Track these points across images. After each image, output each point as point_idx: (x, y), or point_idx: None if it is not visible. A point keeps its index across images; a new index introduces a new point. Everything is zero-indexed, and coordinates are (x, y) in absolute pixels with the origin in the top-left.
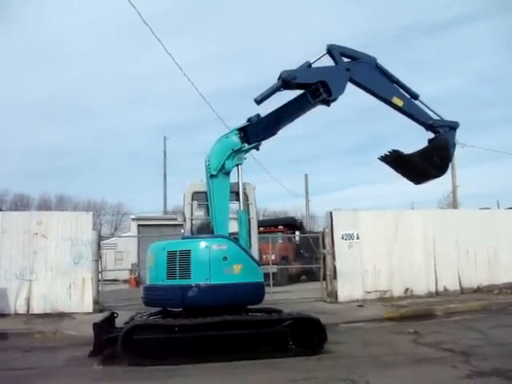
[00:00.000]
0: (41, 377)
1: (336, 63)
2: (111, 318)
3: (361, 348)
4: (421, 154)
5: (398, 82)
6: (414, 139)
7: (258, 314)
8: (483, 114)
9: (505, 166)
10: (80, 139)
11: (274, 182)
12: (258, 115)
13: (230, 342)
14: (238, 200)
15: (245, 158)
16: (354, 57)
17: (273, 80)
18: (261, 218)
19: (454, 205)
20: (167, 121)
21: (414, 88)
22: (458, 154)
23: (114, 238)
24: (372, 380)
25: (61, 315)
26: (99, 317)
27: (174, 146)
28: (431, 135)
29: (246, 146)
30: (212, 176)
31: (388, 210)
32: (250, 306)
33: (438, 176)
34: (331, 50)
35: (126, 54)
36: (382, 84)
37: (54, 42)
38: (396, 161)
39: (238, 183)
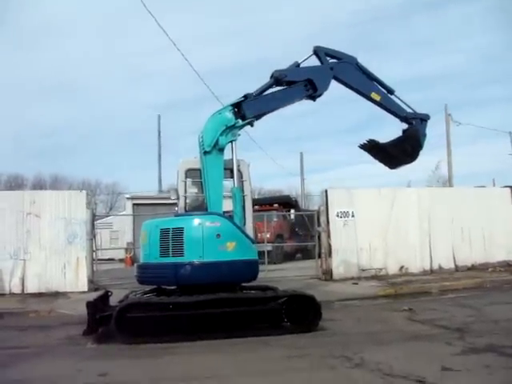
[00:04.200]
0: (35, 356)
1: (321, 63)
2: (105, 297)
3: (355, 325)
4: (395, 142)
5: (376, 79)
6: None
7: (253, 292)
8: (481, 92)
9: (501, 144)
10: (75, 118)
11: (269, 160)
12: (251, 93)
13: (224, 320)
14: (232, 177)
15: (239, 135)
16: (338, 57)
17: (273, 57)
18: (256, 197)
19: (449, 181)
20: (164, 99)
21: (415, 65)
22: (454, 132)
23: (109, 218)
24: (366, 357)
25: (55, 294)
26: (94, 295)
27: (171, 125)
28: (405, 126)
29: (240, 121)
30: (206, 153)
31: (384, 188)
32: (244, 284)
33: (410, 162)
34: (317, 51)
35: (124, 30)
36: (362, 81)
37: (48, 19)
38: (373, 149)
39: (232, 160)
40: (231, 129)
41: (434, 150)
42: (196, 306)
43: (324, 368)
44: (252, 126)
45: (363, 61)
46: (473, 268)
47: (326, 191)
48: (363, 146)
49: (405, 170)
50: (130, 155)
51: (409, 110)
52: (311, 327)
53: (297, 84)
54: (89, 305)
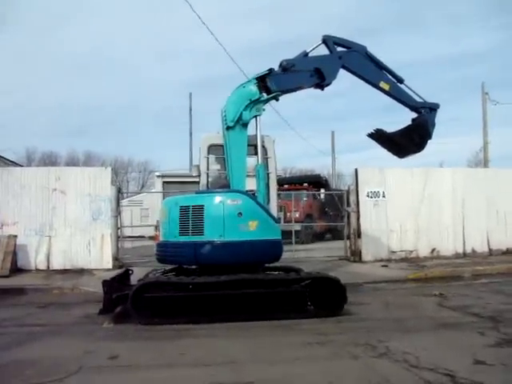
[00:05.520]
0: (49, 334)
1: (330, 52)
2: (125, 275)
3: (383, 310)
4: (403, 132)
5: (385, 68)
6: (447, 97)
7: (275, 273)
8: None
9: None
10: (109, 96)
11: (301, 140)
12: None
13: (245, 302)
14: (257, 154)
15: (263, 110)
16: (347, 46)
17: (307, 35)
18: (287, 176)
19: (485, 163)
20: (197, 76)
21: (453, 42)
22: (491, 111)
23: (140, 195)
24: (392, 346)
25: (80, 271)
26: (114, 273)
27: (204, 103)
28: (415, 115)
29: (265, 95)
30: (228, 128)
31: (416, 168)
32: (267, 264)
33: (417, 152)
34: (326, 41)
35: (157, 7)
36: (371, 70)
37: None
38: (381, 138)
39: (256, 136)
40: (255, 103)
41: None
42: (215, 286)
43: (346, 357)
44: (277, 100)
45: (402, 39)
46: (508, 252)
47: (357, 170)
48: (371, 135)
49: (439, 151)
50: (163, 133)
51: (418, 99)
52: (336, 311)
53: (305, 71)
54: (105, 284)
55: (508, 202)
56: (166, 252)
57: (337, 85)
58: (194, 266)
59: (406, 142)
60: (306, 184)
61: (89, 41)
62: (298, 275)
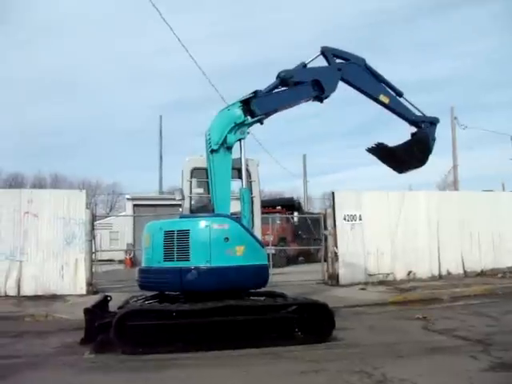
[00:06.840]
0: (27, 367)
1: (329, 64)
2: (104, 302)
3: (369, 335)
4: (403, 146)
5: (384, 81)
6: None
7: (261, 299)
8: (489, 96)
9: (509, 148)
10: (76, 117)
11: (270, 162)
12: (261, 90)
13: (231, 329)
14: (240, 177)
15: (248, 133)
16: (345, 58)
17: (277, 59)
18: None
19: (455, 186)
20: (167, 99)
21: (420, 68)
22: (460, 135)
23: (109, 218)
24: (388, 372)
25: (53, 297)
26: (92, 299)
27: (174, 125)
28: (414, 129)
29: (250, 119)
30: (213, 151)
31: (391, 191)
32: (252, 290)
33: (419, 167)
34: (324, 52)
35: (127, 29)
36: (370, 83)
37: (52, 17)
38: (381, 152)
39: (240, 159)
40: (240, 126)
41: (443, 154)
42: (202, 313)
43: None
44: (262, 123)
45: (373, 64)
46: (482, 274)
47: (333, 193)
48: (371, 150)
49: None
50: (132, 156)
51: (418, 113)
52: (324, 338)
53: (303, 84)
54: (87, 312)
55: (481, 224)
56: (149, 278)
57: (307, 108)
58: (176, 293)
59: (408, 156)
60: (279, 207)
61: (57, 61)
62: (286, 301)
